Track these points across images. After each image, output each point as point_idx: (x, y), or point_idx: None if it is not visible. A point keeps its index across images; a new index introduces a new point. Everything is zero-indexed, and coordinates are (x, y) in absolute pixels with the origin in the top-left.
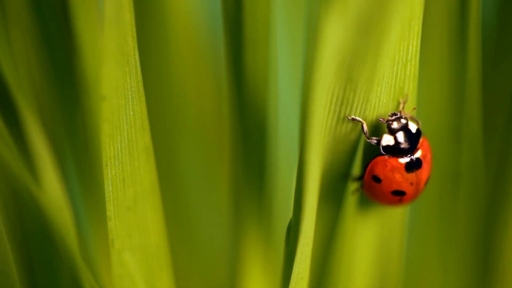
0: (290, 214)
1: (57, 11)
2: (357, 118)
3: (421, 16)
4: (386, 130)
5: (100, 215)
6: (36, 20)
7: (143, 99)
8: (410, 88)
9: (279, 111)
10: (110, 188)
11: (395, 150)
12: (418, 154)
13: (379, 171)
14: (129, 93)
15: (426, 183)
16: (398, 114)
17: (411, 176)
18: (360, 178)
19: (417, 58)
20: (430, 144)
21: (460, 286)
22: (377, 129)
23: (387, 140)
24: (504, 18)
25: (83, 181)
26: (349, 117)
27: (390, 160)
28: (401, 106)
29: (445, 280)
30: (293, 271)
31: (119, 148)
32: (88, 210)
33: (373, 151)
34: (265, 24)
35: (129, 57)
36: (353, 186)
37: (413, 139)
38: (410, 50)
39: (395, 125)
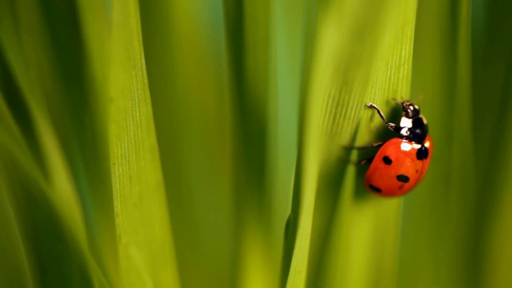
0: (289, 211)
1: (66, 17)
2: (374, 105)
3: (414, 22)
4: (403, 114)
5: (107, 212)
6: (46, 25)
7: (148, 101)
8: (403, 90)
9: (278, 111)
10: (118, 186)
11: (410, 134)
12: (427, 144)
13: (392, 152)
14: (136, 95)
15: (424, 176)
16: (411, 101)
17: (419, 163)
18: (366, 161)
19: (410, 62)
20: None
21: (452, 281)
22: (371, 131)
23: (405, 122)
24: (493, 22)
25: (92, 179)
26: (367, 105)
27: (405, 144)
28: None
29: (437, 276)
30: (292, 265)
31: (126, 147)
32: (96, 207)
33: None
34: (265, 28)
35: (136, 61)
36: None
37: (424, 128)
38: (403, 55)
39: (411, 109)
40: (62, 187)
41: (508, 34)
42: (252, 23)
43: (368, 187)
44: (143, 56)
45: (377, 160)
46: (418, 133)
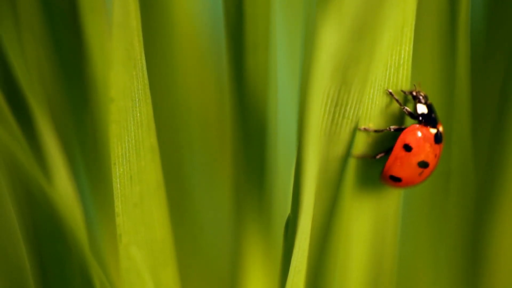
0: (288, 210)
1: (67, 18)
2: (391, 92)
3: (413, 23)
4: (416, 101)
5: (108, 212)
6: (47, 25)
7: (149, 101)
8: None
9: (278, 111)
10: (118, 185)
11: (427, 119)
12: (440, 128)
13: (411, 140)
14: (136, 95)
15: (439, 160)
16: (418, 89)
17: (436, 148)
18: (383, 154)
19: (410, 63)
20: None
21: (451, 281)
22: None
23: (421, 109)
24: (492, 22)
25: (92, 179)
26: (389, 90)
27: (423, 129)
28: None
29: (437, 275)
30: (291, 265)
31: (127, 147)
32: (97, 207)
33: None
34: (265, 29)
35: (136, 61)
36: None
37: (436, 112)
38: (402, 55)
39: (423, 95)
40: (63, 187)
41: (507, 35)
42: (252, 23)
43: (388, 179)
44: (143, 56)
45: (397, 149)
46: (433, 118)
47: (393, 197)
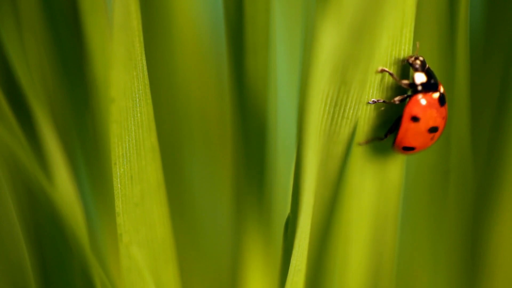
0: (288, 210)
1: (68, 18)
2: (385, 69)
3: (413, 24)
4: (413, 70)
5: (109, 211)
6: (48, 26)
7: (149, 101)
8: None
9: (278, 112)
10: (119, 185)
11: (428, 86)
12: (441, 89)
13: (417, 110)
14: (137, 95)
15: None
16: (414, 55)
17: (442, 109)
18: (390, 133)
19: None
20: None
21: (451, 280)
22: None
23: (420, 78)
24: (491, 22)
25: (93, 179)
26: (379, 69)
27: (425, 97)
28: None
29: (436, 274)
30: (291, 264)
31: (127, 147)
32: (97, 206)
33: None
34: (265, 30)
35: (137, 62)
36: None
37: (434, 74)
38: (402, 56)
39: (419, 62)
40: (64, 187)
41: (506, 35)
42: (252, 25)
43: (401, 149)
44: (144, 57)
45: (406, 122)
46: (434, 83)
47: (392, 196)
